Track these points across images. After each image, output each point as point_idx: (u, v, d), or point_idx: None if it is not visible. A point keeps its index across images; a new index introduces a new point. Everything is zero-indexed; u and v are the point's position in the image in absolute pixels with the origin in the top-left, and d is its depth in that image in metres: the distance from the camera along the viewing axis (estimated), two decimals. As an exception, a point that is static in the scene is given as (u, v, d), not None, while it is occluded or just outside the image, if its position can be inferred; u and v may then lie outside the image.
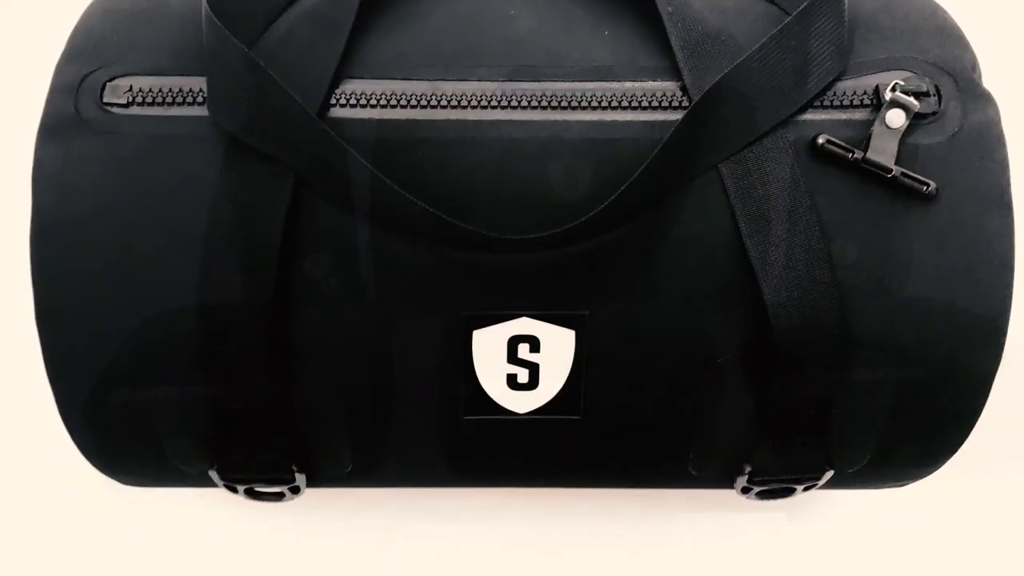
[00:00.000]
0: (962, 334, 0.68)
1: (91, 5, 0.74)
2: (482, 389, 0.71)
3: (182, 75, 0.69)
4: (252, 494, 0.78)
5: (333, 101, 0.68)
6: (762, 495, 0.79)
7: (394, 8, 0.72)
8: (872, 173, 0.66)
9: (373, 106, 0.68)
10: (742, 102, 0.67)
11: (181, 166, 0.67)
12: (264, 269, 0.65)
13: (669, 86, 0.69)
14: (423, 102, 0.68)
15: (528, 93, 0.68)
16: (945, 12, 0.74)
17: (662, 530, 0.97)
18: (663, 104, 0.68)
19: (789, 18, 0.68)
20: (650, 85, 0.69)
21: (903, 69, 0.69)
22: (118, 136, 0.67)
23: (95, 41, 0.70)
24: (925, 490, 0.95)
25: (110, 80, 0.69)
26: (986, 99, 0.69)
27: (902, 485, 0.81)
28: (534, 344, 0.69)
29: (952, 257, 0.67)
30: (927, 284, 0.67)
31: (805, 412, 0.71)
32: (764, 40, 0.67)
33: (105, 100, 0.68)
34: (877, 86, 0.69)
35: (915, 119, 0.67)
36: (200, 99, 0.68)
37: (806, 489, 0.78)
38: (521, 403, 0.71)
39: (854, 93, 0.69)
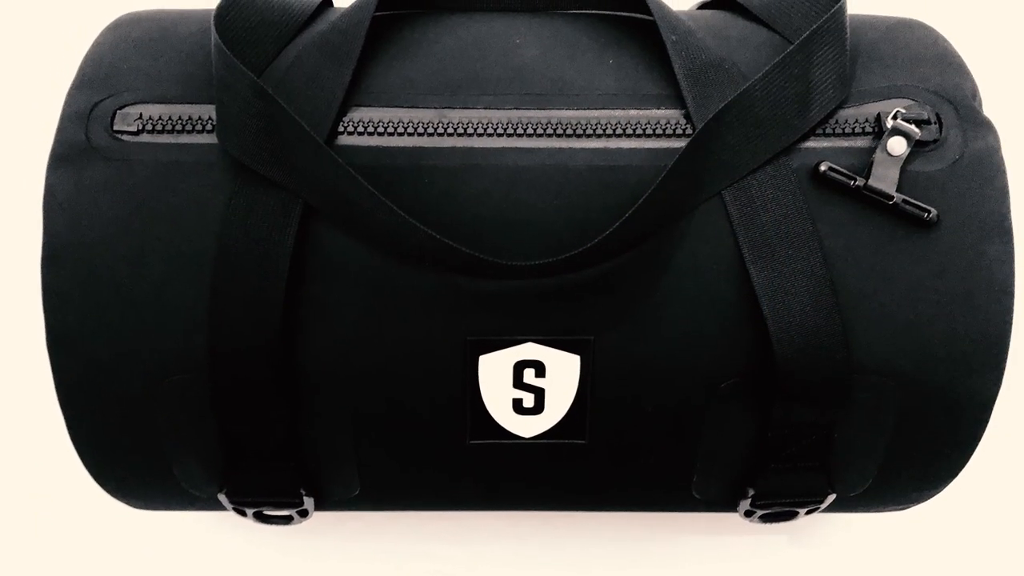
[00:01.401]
0: (963, 359, 0.68)
1: (101, 34, 0.74)
2: (488, 414, 0.71)
3: (191, 103, 0.69)
4: (261, 517, 0.79)
5: (341, 129, 0.68)
6: (765, 518, 0.79)
7: (400, 37, 0.73)
8: (874, 200, 0.67)
9: (380, 134, 0.68)
10: (745, 130, 0.67)
11: (190, 193, 0.67)
12: (272, 295, 0.66)
13: (673, 114, 0.69)
14: (429, 130, 0.68)
15: (533, 121, 0.68)
16: (946, 41, 0.75)
17: (666, 553, 0.97)
18: (667, 132, 0.69)
19: (791, 47, 0.69)
20: (654, 113, 0.69)
21: (904, 97, 0.70)
22: (128, 163, 0.68)
23: (105, 70, 0.71)
24: (926, 513, 0.95)
25: (120, 108, 0.69)
26: (986, 127, 0.70)
27: (903, 508, 0.81)
28: (540, 369, 0.69)
29: (953, 283, 0.67)
30: (928, 310, 0.68)
31: (807, 436, 0.71)
32: (767, 68, 0.68)
33: (115, 128, 0.68)
34: (879, 114, 0.69)
35: (916, 147, 0.68)
36: (209, 127, 0.68)
37: (808, 512, 0.79)
38: (527, 427, 0.72)
39: (856, 121, 0.69)
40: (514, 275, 0.64)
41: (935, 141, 0.68)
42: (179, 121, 0.69)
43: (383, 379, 0.69)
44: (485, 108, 0.69)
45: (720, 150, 0.67)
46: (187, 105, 0.69)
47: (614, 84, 0.70)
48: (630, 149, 0.68)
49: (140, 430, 0.71)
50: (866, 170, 0.67)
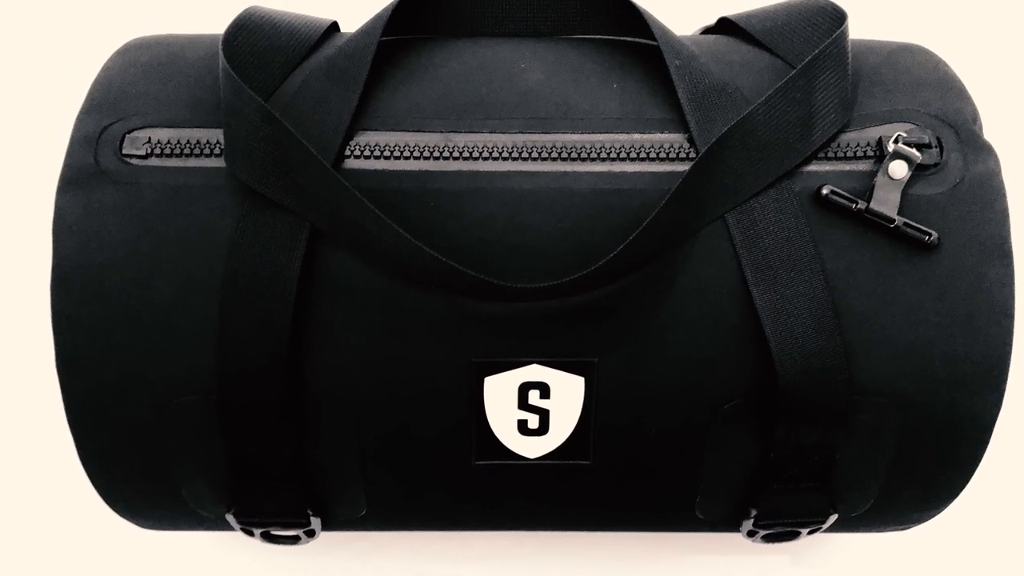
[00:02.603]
0: (963, 381, 0.69)
1: (110, 59, 0.75)
2: (493, 435, 0.71)
3: (200, 127, 0.70)
4: (268, 537, 0.79)
5: (347, 152, 0.69)
6: (767, 538, 0.79)
7: (407, 61, 0.73)
8: (875, 223, 0.67)
9: (387, 157, 0.68)
10: (748, 153, 0.68)
11: (198, 216, 0.67)
12: (280, 318, 0.66)
13: (676, 138, 0.70)
14: (435, 153, 0.68)
15: (538, 145, 0.69)
16: (947, 65, 0.75)
17: (669, 573, 0.97)
18: (670, 156, 0.69)
19: (794, 71, 0.69)
20: (658, 137, 0.70)
21: (905, 121, 0.70)
22: (137, 187, 0.68)
23: (114, 94, 0.71)
24: (927, 534, 0.95)
25: (129, 132, 0.69)
26: (987, 150, 0.70)
27: (905, 529, 0.81)
28: (544, 391, 0.70)
29: (953, 305, 0.68)
30: (929, 332, 0.68)
31: (810, 457, 0.71)
32: (769, 93, 0.68)
33: (124, 152, 0.69)
34: (880, 138, 0.69)
35: (917, 170, 0.68)
36: (217, 151, 0.69)
37: (811, 532, 0.79)
38: (531, 448, 0.72)
39: (857, 145, 0.70)
40: (519, 297, 0.64)
41: (936, 165, 0.69)
42: (187, 145, 0.69)
43: (389, 401, 0.69)
44: (490, 132, 0.69)
45: (723, 174, 0.67)
46: (195, 129, 0.70)
47: (618, 108, 0.71)
48: (634, 173, 0.68)
49: (148, 451, 0.71)
50: (867, 193, 0.68)
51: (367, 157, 0.69)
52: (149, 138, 0.69)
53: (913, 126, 0.70)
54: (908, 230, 0.67)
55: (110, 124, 0.70)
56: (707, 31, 0.84)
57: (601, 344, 0.69)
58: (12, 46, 1.07)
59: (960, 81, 0.74)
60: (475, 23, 0.78)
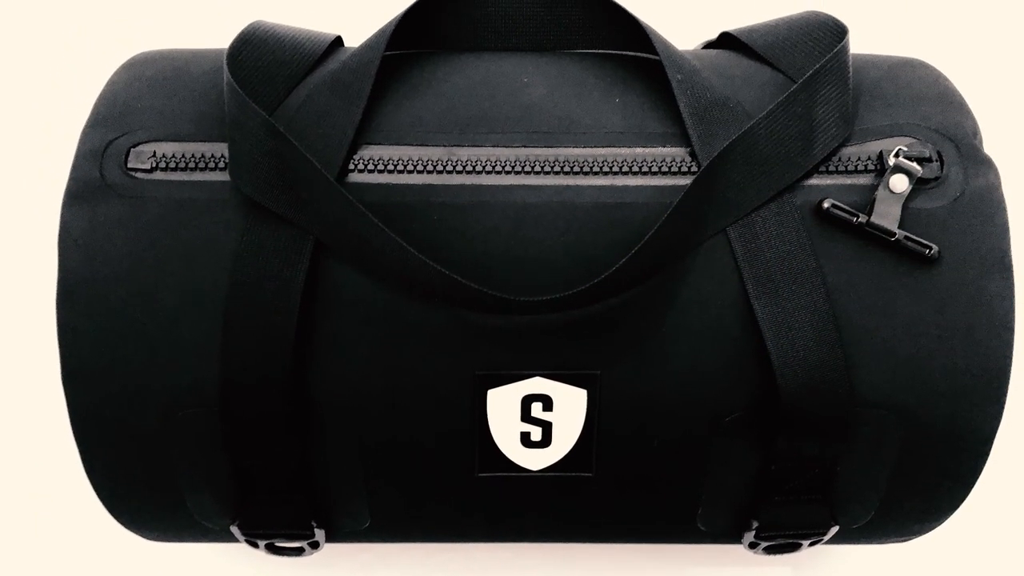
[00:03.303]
0: (963, 394, 0.69)
1: (116, 73, 0.75)
2: (496, 447, 0.71)
3: (204, 141, 0.70)
4: (273, 549, 0.79)
5: (351, 166, 0.69)
6: (769, 550, 0.79)
7: (410, 75, 0.73)
8: (876, 236, 0.67)
9: (390, 171, 0.69)
10: (749, 167, 0.68)
11: (203, 230, 0.68)
12: (284, 330, 0.66)
13: (678, 152, 0.70)
14: (439, 167, 0.69)
15: (541, 159, 0.69)
16: (947, 80, 0.75)
17: (671, 584, 0.98)
18: (672, 170, 0.69)
19: (795, 86, 0.69)
20: (660, 151, 0.70)
21: (906, 135, 0.70)
22: (142, 200, 0.68)
23: (120, 108, 0.71)
24: (928, 545, 0.96)
25: (134, 146, 0.69)
26: (987, 164, 0.70)
27: (905, 540, 0.81)
28: (547, 403, 0.70)
29: (954, 318, 0.68)
30: (929, 344, 0.68)
31: (811, 469, 0.71)
32: (771, 107, 0.68)
33: (129, 165, 0.69)
34: (881, 152, 0.70)
35: (918, 184, 0.68)
36: (222, 164, 0.69)
37: (812, 544, 0.79)
38: (534, 460, 0.72)
39: (858, 159, 0.70)
40: (522, 310, 0.65)
41: (936, 179, 0.69)
42: (192, 159, 0.69)
43: (393, 413, 0.70)
44: (493, 146, 0.70)
45: (725, 187, 0.68)
46: (200, 143, 0.70)
47: (620, 122, 0.71)
48: (636, 186, 0.69)
49: (154, 463, 0.71)
50: (868, 207, 0.68)
51: (371, 171, 0.69)
52: (154, 152, 0.69)
53: (914, 140, 0.70)
54: (909, 244, 0.67)
55: (115, 138, 0.70)
56: (709, 45, 0.84)
57: (603, 357, 0.69)
58: (18, 60, 1.08)
59: (960, 95, 0.74)
60: (478, 38, 0.79)
